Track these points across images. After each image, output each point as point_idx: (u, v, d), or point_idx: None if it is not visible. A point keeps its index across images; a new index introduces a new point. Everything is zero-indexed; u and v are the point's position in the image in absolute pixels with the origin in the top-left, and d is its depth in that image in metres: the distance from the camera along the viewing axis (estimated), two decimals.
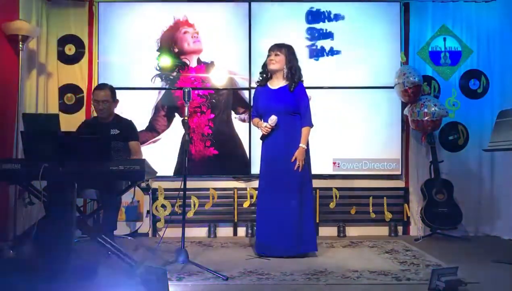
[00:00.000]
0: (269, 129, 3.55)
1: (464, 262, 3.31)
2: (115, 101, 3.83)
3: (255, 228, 3.77)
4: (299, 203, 3.52)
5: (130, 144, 3.79)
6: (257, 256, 3.56)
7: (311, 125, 3.63)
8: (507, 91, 4.52)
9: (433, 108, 4.33)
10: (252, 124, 3.73)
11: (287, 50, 3.64)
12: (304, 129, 3.58)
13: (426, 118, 4.33)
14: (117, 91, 3.88)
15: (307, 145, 3.61)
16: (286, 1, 4.70)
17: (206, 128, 4.63)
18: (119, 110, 4.00)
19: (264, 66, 3.72)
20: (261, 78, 3.76)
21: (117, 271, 3.06)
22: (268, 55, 3.66)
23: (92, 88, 4.30)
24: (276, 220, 3.51)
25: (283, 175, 3.53)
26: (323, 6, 4.70)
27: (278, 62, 3.61)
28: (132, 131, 3.85)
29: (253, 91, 4.57)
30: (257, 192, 3.78)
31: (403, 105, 4.58)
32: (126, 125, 3.83)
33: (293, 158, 3.51)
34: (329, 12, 4.71)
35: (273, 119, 3.53)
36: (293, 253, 3.49)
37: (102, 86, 3.82)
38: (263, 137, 3.66)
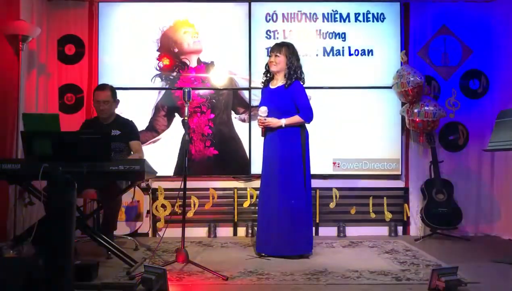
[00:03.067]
0: (263, 122, 3.53)
1: (464, 262, 3.31)
2: (115, 101, 3.84)
3: (255, 228, 3.77)
4: (295, 203, 3.52)
5: (131, 143, 3.79)
6: (257, 256, 3.56)
7: (305, 120, 3.58)
8: (507, 91, 4.51)
9: (432, 109, 4.33)
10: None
11: (287, 50, 3.63)
12: (296, 116, 3.56)
13: (426, 118, 4.33)
14: (117, 91, 3.88)
15: (307, 147, 3.62)
16: (286, 1, 4.70)
17: (206, 128, 4.63)
18: (119, 110, 4.00)
19: (267, 66, 3.72)
20: (265, 78, 3.76)
21: (117, 271, 3.07)
22: (269, 56, 3.67)
23: (92, 88, 4.30)
24: (273, 219, 3.52)
25: (280, 175, 3.53)
26: (324, 7, 4.70)
27: (279, 64, 3.61)
28: (132, 131, 3.85)
29: (253, 91, 4.60)
30: (258, 191, 3.79)
31: (403, 105, 4.57)
32: (127, 126, 3.84)
33: (269, 119, 3.53)
34: (330, 13, 4.71)
35: (262, 110, 3.54)
36: (287, 253, 3.49)
37: (102, 87, 3.83)
38: (263, 134, 3.65)
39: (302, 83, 3.65)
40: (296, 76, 3.61)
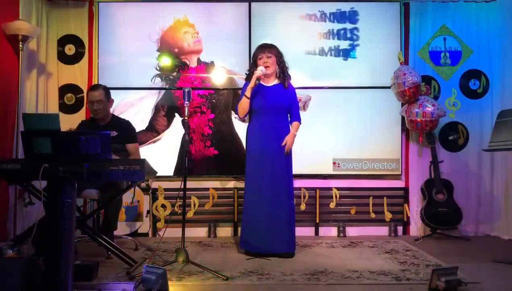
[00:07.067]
0: (288, 149, 3.58)
1: (464, 262, 3.32)
2: (109, 100, 3.81)
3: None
4: (288, 200, 3.59)
5: (128, 146, 3.78)
6: (257, 256, 3.56)
7: (300, 122, 3.71)
8: (507, 91, 4.51)
9: (431, 109, 4.33)
10: (239, 107, 3.66)
11: (276, 49, 3.67)
12: (296, 123, 3.68)
13: (424, 118, 4.33)
14: (117, 91, 3.88)
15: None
16: (286, 1, 4.70)
17: (206, 128, 4.63)
18: (120, 110, 4.00)
19: (254, 63, 3.68)
20: (248, 73, 3.72)
21: (117, 271, 3.07)
22: (260, 58, 3.63)
23: None
24: (266, 216, 3.52)
25: (274, 173, 3.56)
26: (323, 7, 4.70)
27: (272, 65, 3.63)
28: (130, 134, 3.83)
29: None
30: (244, 187, 3.75)
31: (403, 105, 4.57)
32: (124, 127, 3.82)
33: (284, 141, 3.56)
34: (330, 13, 4.71)
35: (261, 69, 3.53)
36: (281, 250, 3.52)
37: (95, 87, 3.81)
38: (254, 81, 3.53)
39: None
40: (288, 75, 3.69)
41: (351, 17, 4.70)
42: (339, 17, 4.71)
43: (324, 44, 4.70)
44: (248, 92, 3.56)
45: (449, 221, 4.32)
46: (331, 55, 4.69)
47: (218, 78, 4.68)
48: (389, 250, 3.86)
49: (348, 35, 4.70)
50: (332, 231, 4.60)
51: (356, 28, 4.70)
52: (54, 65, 4.59)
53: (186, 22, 4.69)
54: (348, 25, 4.70)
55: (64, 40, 4.63)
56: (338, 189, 4.61)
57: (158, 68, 4.67)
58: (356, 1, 4.70)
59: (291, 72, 3.76)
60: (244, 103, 3.60)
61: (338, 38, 4.70)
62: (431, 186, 4.42)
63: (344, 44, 4.70)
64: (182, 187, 3.22)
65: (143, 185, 4.44)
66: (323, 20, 4.71)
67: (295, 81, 3.82)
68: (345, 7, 4.70)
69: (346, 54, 4.70)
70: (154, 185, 4.56)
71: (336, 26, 4.70)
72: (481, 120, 4.67)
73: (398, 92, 4.39)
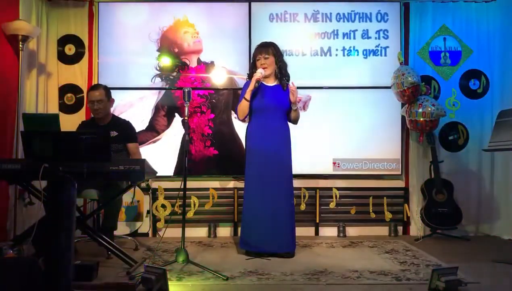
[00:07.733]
0: (294, 90, 3.52)
1: (464, 262, 3.31)
2: (110, 100, 3.81)
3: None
4: (288, 200, 3.59)
5: (129, 146, 3.79)
6: (257, 256, 3.55)
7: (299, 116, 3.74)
8: (507, 91, 4.52)
9: (431, 109, 4.33)
10: (238, 109, 3.66)
11: (274, 49, 3.66)
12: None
13: (424, 118, 4.33)
14: (117, 91, 3.88)
15: (289, 146, 3.67)
16: (286, 1, 4.70)
17: (206, 128, 4.63)
18: (120, 111, 4.00)
19: (253, 64, 3.69)
20: (249, 73, 3.74)
21: (117, 271, 3.07)
22: (258, 59, 3.63)
23: None
24: (266, 215, 3.52)
25: (274, 172, 3.55)
26: (323, 7, 4.70)
27: (270, 65, 3.63)
28: (130, 133, 3.84)
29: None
30: (244, 187, 3.74)
31: (403, 105, 4.57)
32: (124, 127, 3.83)
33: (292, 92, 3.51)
34: (331, 13, 4.71)
35: (261, 71, 3.55)
36: (281, 250, 3.52)
37: (96, 87, 3.82)
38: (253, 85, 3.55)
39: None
40: (287, 75, 3.69)
41: (351, 17, 4.69)
42: (339, 17, 4.70)
43: (324, 44, 4.69)
44: (248, 95, 3.56)
45: (449, 221, 4.32)
46: (330, 55, 4.69)
47: (218, 78, 4.68)
48: (389, 250, 3.86)
49: (348, 35, 4.69)
50: (332, 231, 4.59)
51: (356, 28, 4.68)
52: (54, 65, 4.59)
53: (186, 22, 4.69)
54: (348, 25, 4.69)
55: (64, 40, 4.63)
56: (338, 189, 4.61)
57: (158, 68, 4.67)
58: (356, 1, 4.70)
59: (291, 72, 3.76)
60: (243, 106, 3.60)
61: (338, 38, 4.69)
62: (431, 186, 4.42)
63: (344, 44, 4.69)
64: (182, 187, 3.22)
65: (143, 185, 4.44)
66: (323, 20, 4.70)
67: (295, 81, 3.81)
68: (345, 7, 4.69)
69: (346, 54, 4.69)
70: (154, 185, 4.56)
71: (336, 25, 4.69)
72: (481, 120, 4.67)
73: (398, 92, 4.39)
